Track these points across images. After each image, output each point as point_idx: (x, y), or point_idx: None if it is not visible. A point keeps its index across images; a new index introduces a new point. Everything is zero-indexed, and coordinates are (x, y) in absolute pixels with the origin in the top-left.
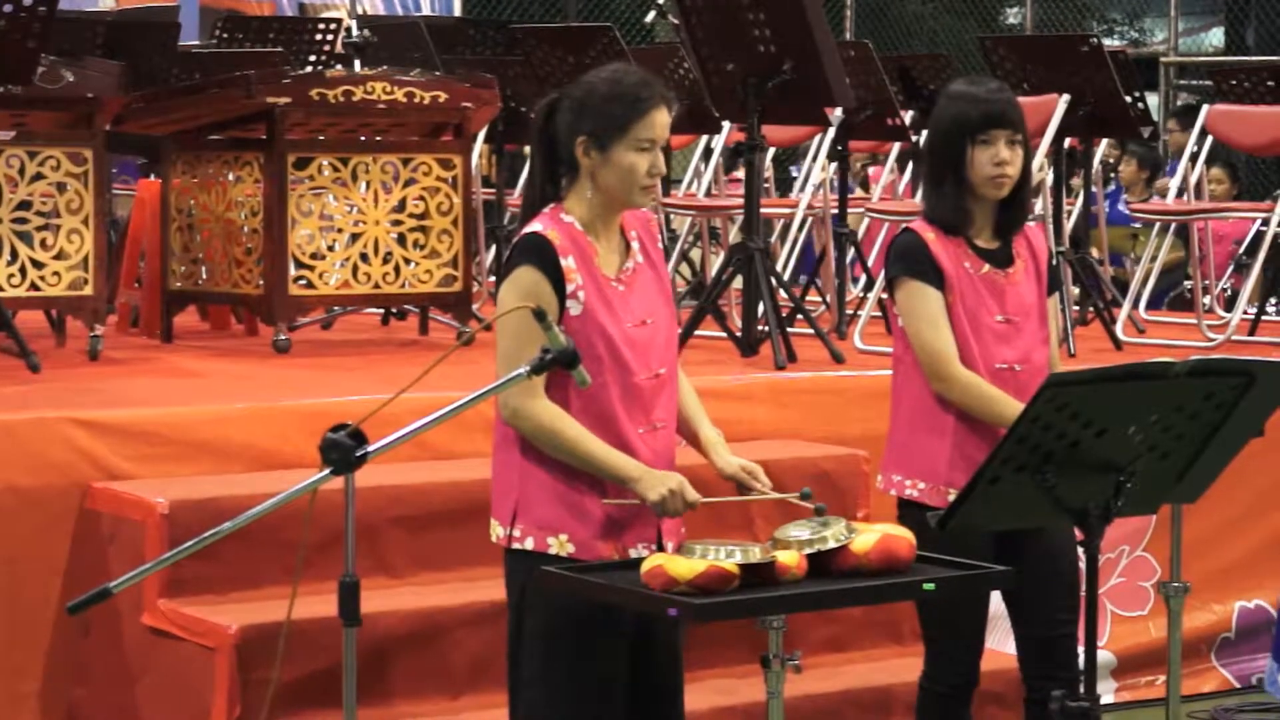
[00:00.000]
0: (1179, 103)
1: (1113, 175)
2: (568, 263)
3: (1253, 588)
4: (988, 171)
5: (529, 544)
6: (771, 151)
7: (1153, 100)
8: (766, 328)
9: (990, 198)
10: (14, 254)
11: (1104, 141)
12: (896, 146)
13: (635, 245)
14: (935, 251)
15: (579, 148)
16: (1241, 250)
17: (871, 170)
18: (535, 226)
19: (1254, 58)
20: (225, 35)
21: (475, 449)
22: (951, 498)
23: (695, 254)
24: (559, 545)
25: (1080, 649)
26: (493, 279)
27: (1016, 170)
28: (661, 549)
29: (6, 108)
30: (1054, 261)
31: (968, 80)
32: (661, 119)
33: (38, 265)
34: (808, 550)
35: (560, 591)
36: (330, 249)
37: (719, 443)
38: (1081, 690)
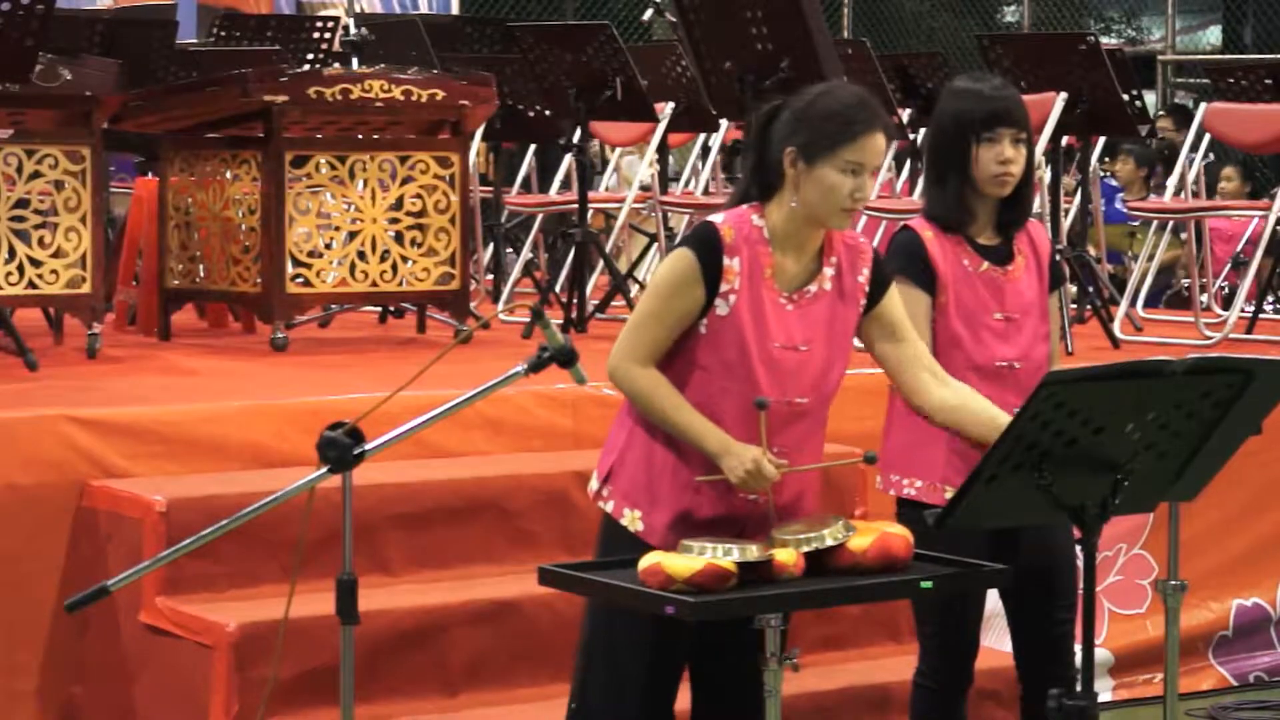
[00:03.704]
0: (1174, 101)
1: (1105, 173)
2: (731, 263)
3: (1250, 586)
4: (992, 170)
5: (609, 507)
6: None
7: (1150, 99)
8: None
9: (994, 196)
10: (12, 252)
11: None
12: (893, 144)
13: (829, 271)
14: (931, 250)
15: (787, 157)
16: (1239, 248)
17: None
18: (717, 218)
19: (1251, 56)
20: (223, 33)
21: (473, 447)
22: (949, 496)
23: None
24: (631, 520)
25: (1078, 647)
26: (490, 277)
27: (1020, 169)
28: None
29: (4, 106)
30: (1055, 258)
31: (972, 77)
32: (875, 145)
33: (35, 263)
34: (805, 549)
35: (559, 589)
36: (328, 247)
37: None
38: (1079, 688)
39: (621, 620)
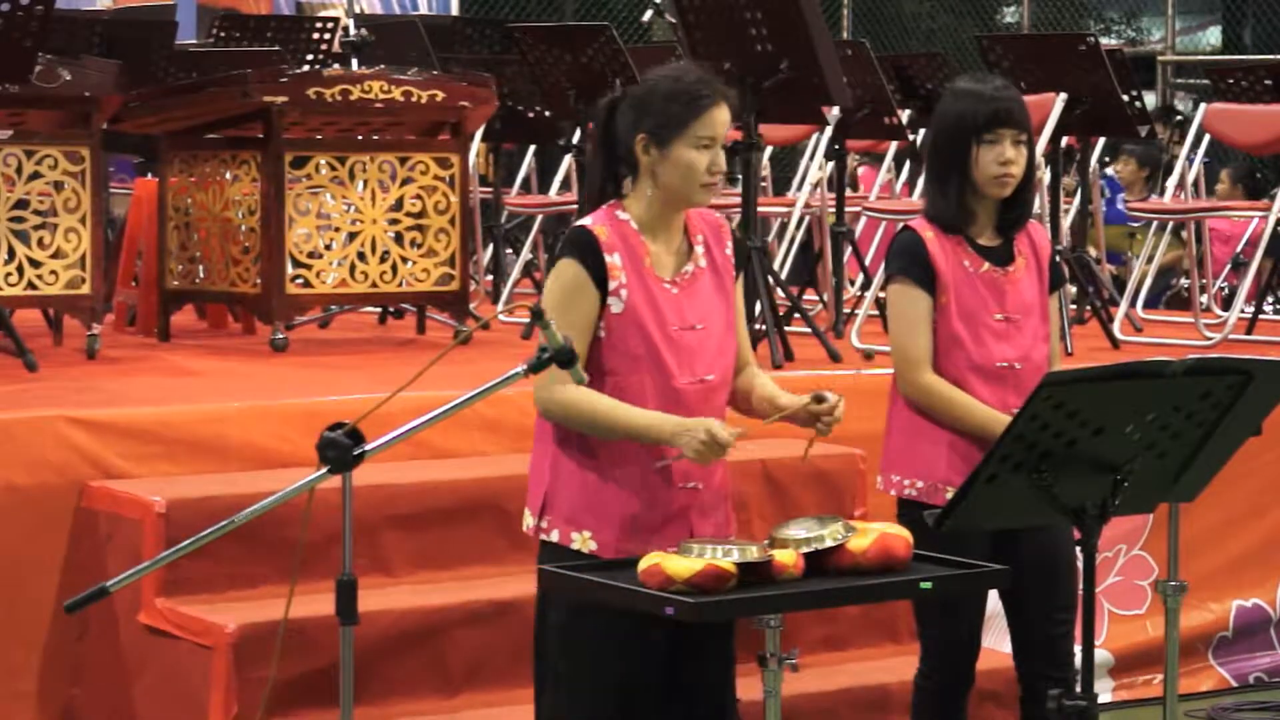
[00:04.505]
0: (1164, 103)
1: (1112, 174)
2: (613, 259)
3: (1250, 587)
4: (993, 171)
5: (555, 536)
6: (769, 150)
7: (1150, 99)
8: (764, 326)
9: (994, 197)
10: (11, 253)
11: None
12: (893, 145)
13: (699, 249)
14: (932, 251)
15: (639, 145)
16: (1239, 249)
17: (862, 170)
18: (585, 221)
19: (1251, 56)
20: (222, 34)
21: (472, 448)
22: (949, 497)
23: None
24: (582, 541)
25: (1077, 648)
26: (490, 278)
27: (1021, 170)
28: None
29: (4, 106)
30: (1055, 258)
31: (973, 77)
32: (722, 117)
33: (35, 264)
34: (805, 549)
35: (558, 591)
36: (327, 248)
37: (775, 390)
38: (1079, 689)
39: (585, 641)
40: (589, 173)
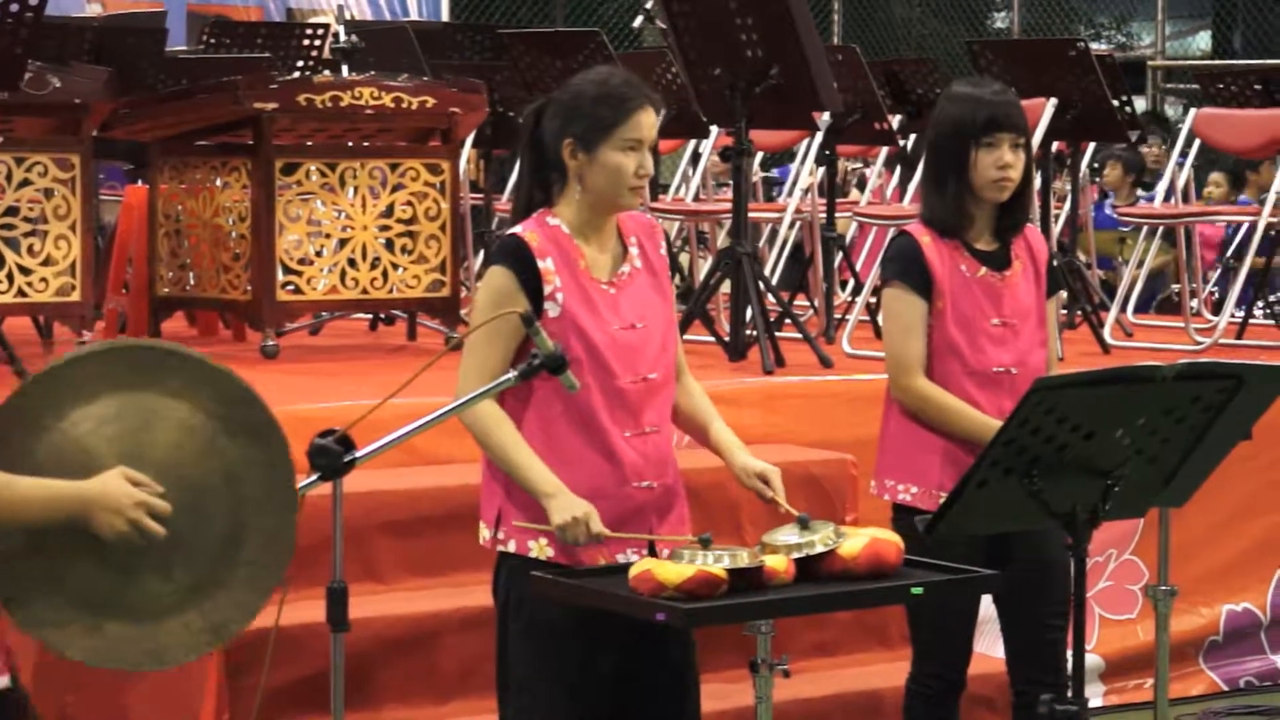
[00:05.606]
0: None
1: (1096, 179)
2: (545, 264)
3: (1240, 591)
4: (991, 175)
5: (511, 546)
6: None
7: (1140, 104)
8: (754, 332)
9: (992, 201)
10: (1, 260)
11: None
12: (884, 151)
13: (634, 250)
14: (929, 256)
15: (566, 149)
16: (1229, 253)
17: (867, 171)
18: (516, 229)
19: (1241, 61)
20: (212, 41)
21: (463, 454)
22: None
23: (683, 258)
24: (539, 549)
25: (1069, 652)
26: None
27: (1019, 174)
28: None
29: None
30: (1053, 263)
31: (970, 81)
32: (648, 120)
33: (25, 271)
34: (796, 555)
35: (550, 597)
36: (318, 254)
37: (736, 445)
38: (1070, 693)
39: (544, 646)
40: (517, 180)
